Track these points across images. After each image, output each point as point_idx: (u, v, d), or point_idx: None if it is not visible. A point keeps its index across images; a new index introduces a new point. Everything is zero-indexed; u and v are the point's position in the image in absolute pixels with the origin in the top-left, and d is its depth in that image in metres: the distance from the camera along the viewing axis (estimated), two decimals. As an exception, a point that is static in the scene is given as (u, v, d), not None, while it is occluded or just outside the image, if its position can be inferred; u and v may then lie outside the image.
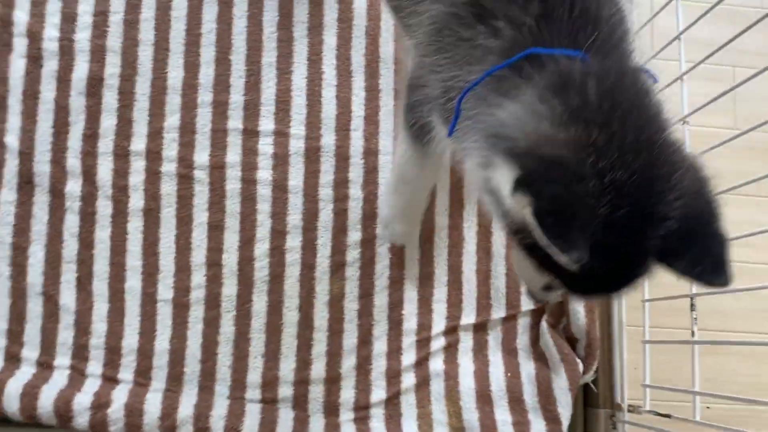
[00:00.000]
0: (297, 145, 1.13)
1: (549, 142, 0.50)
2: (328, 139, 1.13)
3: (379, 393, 1.07)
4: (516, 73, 0.58)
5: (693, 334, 0.88)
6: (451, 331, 1.09)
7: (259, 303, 1.08)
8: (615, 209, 0.47)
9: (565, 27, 0.58)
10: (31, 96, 1.10)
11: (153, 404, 0.99)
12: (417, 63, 0.80)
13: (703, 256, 0.49)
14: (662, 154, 0.50)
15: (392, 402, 1.07)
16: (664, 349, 1.05)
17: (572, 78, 0.53)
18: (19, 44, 1.10)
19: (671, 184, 0.49)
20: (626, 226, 0.48)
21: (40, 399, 0.98)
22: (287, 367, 1.07)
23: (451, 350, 1.09)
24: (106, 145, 1.09)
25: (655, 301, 1.01)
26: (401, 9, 0.78)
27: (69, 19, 1.12)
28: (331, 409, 1.06)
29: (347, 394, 1.07)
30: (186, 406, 1.00)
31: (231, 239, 1.09)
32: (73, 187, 1.08)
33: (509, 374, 1.06)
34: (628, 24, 0.63)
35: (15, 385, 0.99)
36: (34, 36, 1.10)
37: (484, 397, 1.05)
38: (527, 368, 1.06)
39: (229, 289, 1.08)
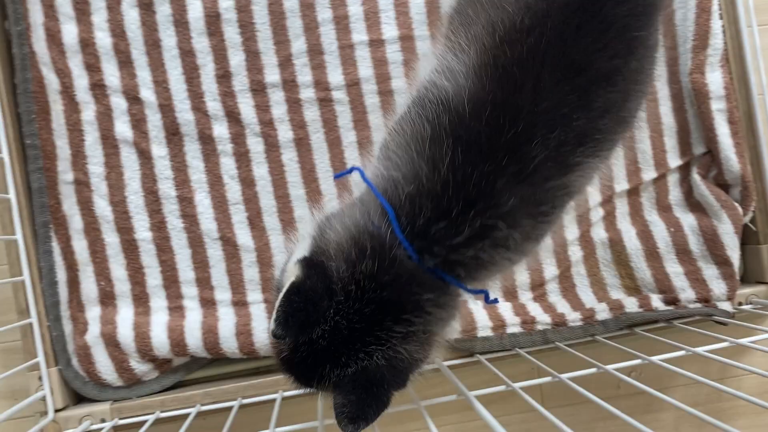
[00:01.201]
0: (424, 47, 1.11)
1: (329, 259, 0.64)
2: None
3: (550, 270, 1.13)
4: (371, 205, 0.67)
5: None
6: (607, 201, 1.14)
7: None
8: (321, 337, 0.61)
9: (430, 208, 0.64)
10: (153, 45, 1.07)
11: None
12: None
13: (354, 404, 0.61)
14: (373, 333, 0.62)
15: (564, 276, 1.13)
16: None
17: (379, 247, 0.63)
18: (127, -7, 1.06)
19: (366, 351, 0.62)
20: (318, 351, 0.62)
21: (255, 335, 1.03)
22: (462, 262, 1.12)
23: (609, 218, 1.14)
24: (240, 82, 1.08)
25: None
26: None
27: (167, -42, 1.07)
28: (511, 292, 1.12)
29: (522, 277, 1.13)
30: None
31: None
32: (221, 130, 1.08)
33: (672, 229, 1.11)
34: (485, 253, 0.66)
35: (227, 326, 1.04)
36: (139, -18, 1.06)
37: (652, 255, 1.11)
38: (687, 220, 1.11)
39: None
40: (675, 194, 1.14)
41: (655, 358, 0.89)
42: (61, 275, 1.04)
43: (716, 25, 1.11)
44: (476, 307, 1.08)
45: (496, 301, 0.80)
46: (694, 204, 1.13)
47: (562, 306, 1.10)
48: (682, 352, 0.92)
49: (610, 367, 0.88)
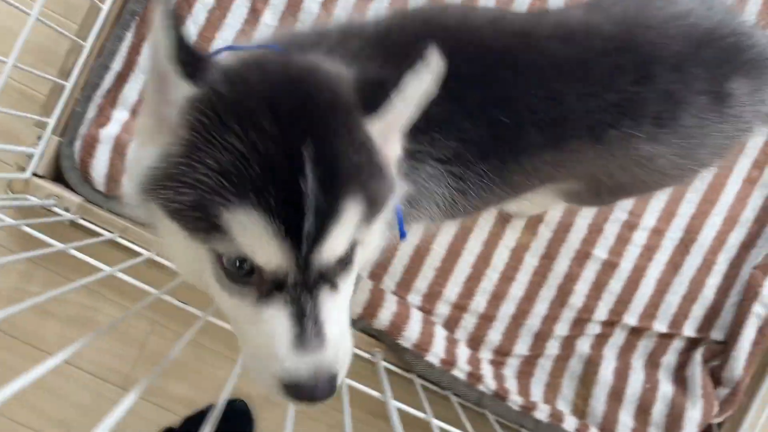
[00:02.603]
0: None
1: None
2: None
3: (521, 347, 1.11)
4: None
5: None
6: (609, 324, 1.12)
7: (451, 222, 1.09)
8: None
9: None
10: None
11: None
12: None
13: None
14: None
15: (529, 361, 1.11)
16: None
17: None
18: None
19: None
20: None
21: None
22: (452, 288, 1.10)
23: (600, 340, 1.12)
24: (375, 9, 1.06)
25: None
26: None
27: None
28: (475, 342, 1.11)
29: (494, 335, 1.11)
30: (362, 290, 1.04)
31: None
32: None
33: (647, 386, 1.09)
34: None
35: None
36: None
37: (616, 395, 1.09)
38: (665, 388, 1.09)
39: (432, 197, 1.09)
40: (670, 359, 1.12)
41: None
42: (116, 65, 1.03)
43: (805, 240, 1.08)
44: (438, 335, 1.06)
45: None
46: (680, 378, 1.11)
47: (511, 383, 1.09)
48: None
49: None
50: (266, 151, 0.42)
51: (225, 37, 1.05)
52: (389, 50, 0.60)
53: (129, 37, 1.03)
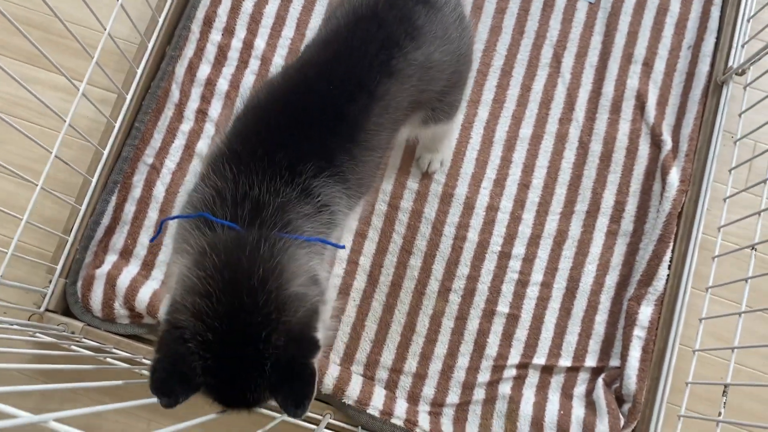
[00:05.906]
0: (436, 188, 1.42)
1: (177, 309, 0.70)
2: (461, 190, 1.42)
3: (452, 397, 1.33)
4: (196, 229, 0.75)
5: (720, 413, 1.10)
6: (523, 366, 1.34)
7: (378, 300, 1.37)
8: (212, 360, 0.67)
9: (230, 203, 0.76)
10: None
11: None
12: None
13: (291, 395, 0.67)
14: (253, 319, 0.68)
15: (462, 407, 1.32)
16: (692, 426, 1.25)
17: (207, 252, 0.71)
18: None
19: (264, 341, 0.67)
20: (221, 370, 0.67)
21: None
22: (388, 355, 1.34)
23: (518, 381, 1.34)
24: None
25: (695, 384, 1.23)
26: None
27: None
28: (414, 398, 1.32)
29: (428, 390, 1.33)
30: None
31: (369, 247, 1.39)
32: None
33: (562, 412, 1.29)
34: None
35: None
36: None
37: (537, 425, 1.29)
38: (578, 412, 1.29)
39: (359, 283, 1.37)
40: (580, 389, 1.33)
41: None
42: (105, 221, 1.37)
43: (663, 272, 1.34)
44: (378, 389, 1.29)
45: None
46: (590, 402, 1.31)
47: (447, 428, 1.29)
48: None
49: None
50: None
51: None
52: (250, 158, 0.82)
53: (113, 200, 1.38)
